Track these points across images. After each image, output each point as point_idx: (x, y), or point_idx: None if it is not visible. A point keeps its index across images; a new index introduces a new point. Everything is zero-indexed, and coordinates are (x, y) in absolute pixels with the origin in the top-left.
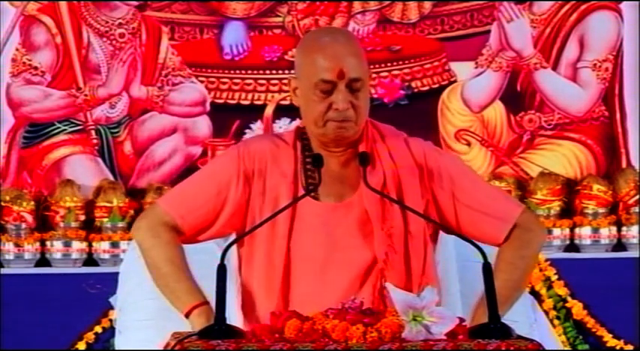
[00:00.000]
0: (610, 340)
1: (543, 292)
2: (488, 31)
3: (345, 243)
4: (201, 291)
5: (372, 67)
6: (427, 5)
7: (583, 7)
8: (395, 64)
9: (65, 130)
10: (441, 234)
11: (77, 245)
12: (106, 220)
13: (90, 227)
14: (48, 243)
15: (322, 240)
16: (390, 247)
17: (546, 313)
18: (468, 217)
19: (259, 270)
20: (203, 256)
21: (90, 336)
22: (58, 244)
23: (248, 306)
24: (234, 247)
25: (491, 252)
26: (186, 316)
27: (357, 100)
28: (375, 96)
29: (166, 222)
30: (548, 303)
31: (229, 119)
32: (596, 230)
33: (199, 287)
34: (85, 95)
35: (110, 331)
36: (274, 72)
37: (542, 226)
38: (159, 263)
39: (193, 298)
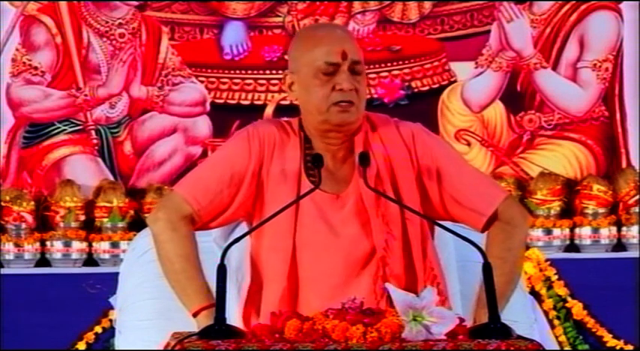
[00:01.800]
0: (610, 340)
1: (543, 292)
2: (488, 31)
3: (344, 233)
4: (212, 292)
5: (372, 67)
6: (427, 5)
7: (583, 7)
8: (395, 64)
9: (65, 130)
10: (442, 234)
11: (77, 245)
12: (106, 220)
13: (90, 227)
14: (48, 243)
15: (321, 230)
16: (389, 234)
17: (546, 313)
18: (451, 204)
19: (269, 252)
20: (203, 256)
21: (90, 336)
22: (58, 244)
23: (256, 285)
24: (234, 246)
25: None
26: (194, 315)
27: (358, 84)
28: (375, 96)
29: (184, 213)
30: (548, 303)
31: (229, 119)
32: (596, 230)
33: (210, 288)
34: (85, 95)
35: (110, 331)
36: (274, 72)
37: (524, 213)
38: (173, 258)
39: (204, 298)
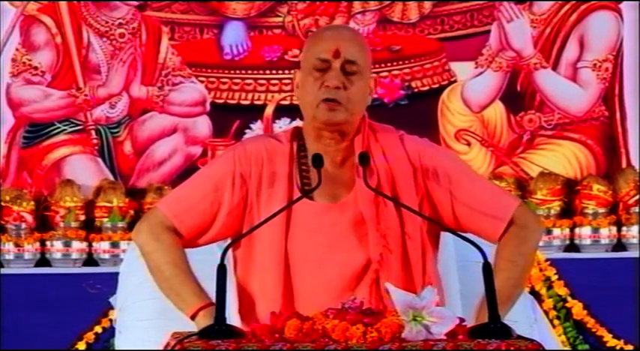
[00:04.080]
0: (610, 340)
1: (543, 292)
2: (488, 31)
3: (340, 244)
4: (206, 292)
5: (372, 67)
6: (427, 5)
7: (583, 7)
8: (395, 64)
9: (65, 130)
10: (441, 234)
11: (77, 245)
12: (106, 220)
13: (90, 227)
14: (48, 243)
15: (318, 240)
16: (385, 248)
17: (546, 313)
18: (465, 214)
19: (260, 271)
20: (203, 256)
21: (90, 336)
22: (58, 244)
23: (246, 308)
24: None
25: (491, 252)
26: (192, 317)
27: (350, 84)
28: (375, 96)
29: (166, 225)
30: (548, 303)
31: (229, 119)
32: (596, 230)
33: (203, 288)
34: (85, 95)
35: (110, 331)
36: (274, 72)
37: (539, 221)
38: (161, 266)
39: (199, 299)
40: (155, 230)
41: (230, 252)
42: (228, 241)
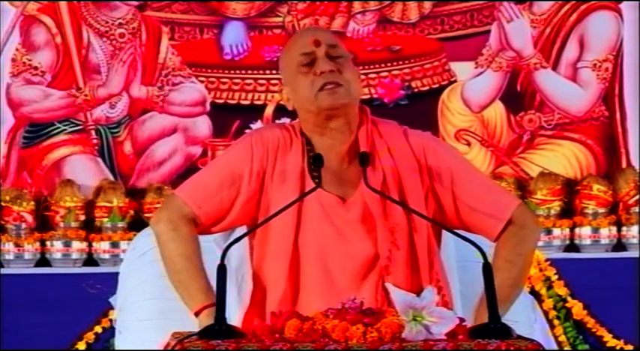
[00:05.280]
0: (610, 340)
1: (543, 292)
2: (488, 31)
3: (349, 237)
4: (214, 291)
5: (372, 67)
6: (427, 5)
7: (583, 7)
8: (395, 64)
9: (65, 130)
10: (442, 234)
11: (77, 245)
12: (106, 220)
13: (90, 227)
14: (48, 243)
15: (327, 232)
16: (393, 244)
17: (546, 313)
18: (466, 212)
19: (271, 259)
20: (203, 257)
21: (90, 336)
22: (58, 244)
23: (259, 295)
24: (234, 246)
25: (491, 252)
26: (196, 314)
27: (342, 68)
28: (375, 96)
29: (186, 214)
30: (548, 303)
31: (229, 119)
32: (596, 230)
33: (212, 287)
34: (85, 95)
35: (110, 331)
36: (274, 72)
37: (538, 221)
38: (175, 258)
39: (206, 297)
40: (174, 220)
41: (247, 240)
42: (229, 238)
